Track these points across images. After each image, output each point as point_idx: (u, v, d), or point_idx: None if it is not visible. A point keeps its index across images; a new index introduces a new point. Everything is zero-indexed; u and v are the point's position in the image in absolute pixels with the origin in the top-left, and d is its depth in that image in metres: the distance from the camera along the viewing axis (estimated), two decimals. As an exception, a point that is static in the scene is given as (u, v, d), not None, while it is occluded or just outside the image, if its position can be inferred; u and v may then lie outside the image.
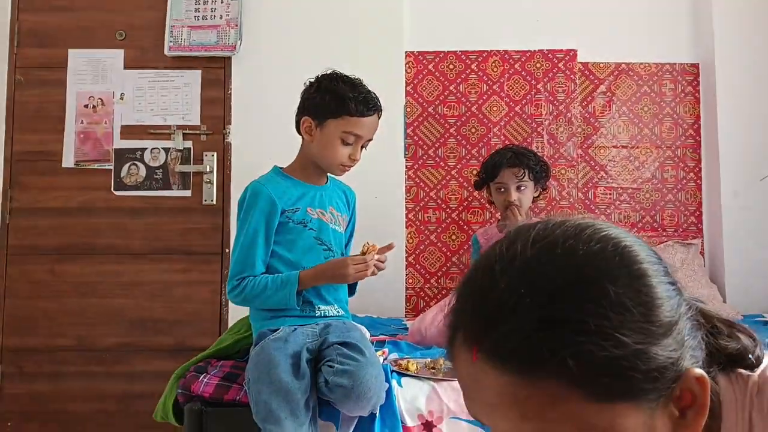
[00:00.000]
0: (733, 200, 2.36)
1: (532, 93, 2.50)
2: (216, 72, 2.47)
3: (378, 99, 1.48)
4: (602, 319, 0.43)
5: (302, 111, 1.50)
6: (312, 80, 1.49)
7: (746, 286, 2.29)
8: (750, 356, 0.56)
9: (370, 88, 1.48)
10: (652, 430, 0.45)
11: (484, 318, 0.47)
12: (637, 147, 2.50)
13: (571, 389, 0.43)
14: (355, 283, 1.59)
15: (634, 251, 0.48)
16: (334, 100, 1.43)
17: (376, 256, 1.41)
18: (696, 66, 2.51)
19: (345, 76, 1.47)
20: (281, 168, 1.55)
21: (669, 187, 2.48)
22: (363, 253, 1.40)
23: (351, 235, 1.64)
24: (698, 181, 2.49)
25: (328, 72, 1.49)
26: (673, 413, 0.46)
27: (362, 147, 1.48)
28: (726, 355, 0.55)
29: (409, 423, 1.30)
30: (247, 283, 1.39)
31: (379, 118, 1.50)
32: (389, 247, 1.45)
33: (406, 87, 2.50)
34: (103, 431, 2.33)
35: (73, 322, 2.37)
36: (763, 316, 2.11)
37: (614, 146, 2.50)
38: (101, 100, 2.48)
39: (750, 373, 0.55)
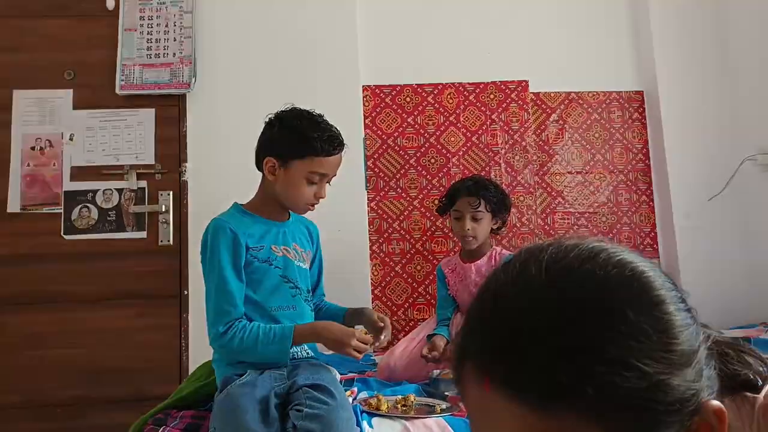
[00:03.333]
0: (685, 221, 2.45)
1: (488, 123, 2.55)
2: (170, 110, 2.43)
3: (341, 135, 1.46)
4: (623, 348, 0.41)
5: (265, 150, 1.45)
6: (272, 117, 1.46)
7: (702, 303, 2.34)
8: (759, 379, 0.55)
9: (331, 123, 1.47)
10: None
11: (497, 346, 0.44)
12: (591, 172, 2.58)
13: (591, 423, 0.40)
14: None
15: (651, 277, 0.46)
16: (299, 141, 1.39)
17: (376, 346, 1.39)
18: (640, 93, 2.63)
19: (307, 112, 1.44)
20: (242, 205, 1.51)
21: (624, 210, 2.56)
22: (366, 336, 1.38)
23: (320, 271, 1.61)
24: (651, 204, 2.58)
25: (289, 109, 1.45)
26: None
27: (328, 183, 1.47)
28: (737, 382, 0.54)
29: (382, 465, 1.26)
30: (236, 333, 1.32)
31: (342, 154, 1.48)
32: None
33: (364, 120, 2.52)
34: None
35: (20, 376, 2.22)
36: (722, 334, 2.17)
37: (569, 172, 2.57)
38: (49, 141, 2.39)
39: (756, 395, 0.54)
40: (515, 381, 0.42)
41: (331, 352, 1.46)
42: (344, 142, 1.46)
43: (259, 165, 1.48)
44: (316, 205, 1.48)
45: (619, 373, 0.40)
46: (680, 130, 2.52)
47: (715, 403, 0.45)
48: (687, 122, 2.53)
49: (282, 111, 1.46)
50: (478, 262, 1.90)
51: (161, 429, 1.30)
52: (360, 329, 1.39)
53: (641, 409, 0.41)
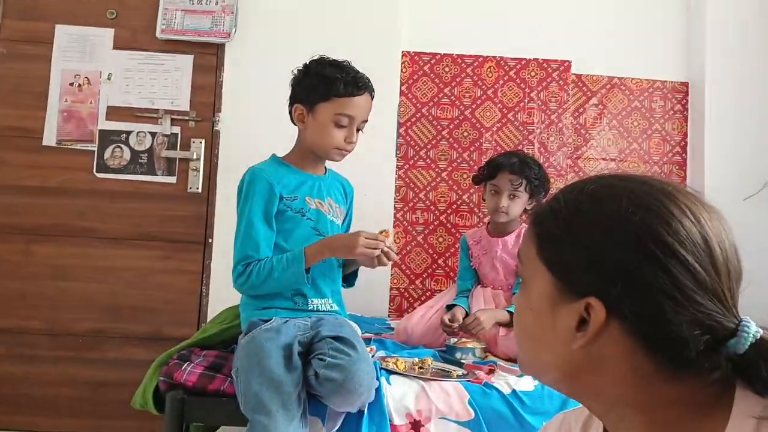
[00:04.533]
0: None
1: (526, 101, 2.51)
2: (208, 58, 2.42)
3: (368, 79, 1.46)
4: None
5: (293, 99, 1.48)
6: (300, 68, 1.48)
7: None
8: None
9: (358, 69, 1.46)
10: (554, 308, 0.57)
11: (554, 235, 0.59)
12: (625, 161, 2.54)
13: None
14: (356, 274, 1.56)
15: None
16: (322, 84, 1.41)
17: (388, 242, 1.38)
18: (686, 85, 2.56)
19: (332, 59, 1.45)
20: (280, 157, 1.52)
21: (654, 202, 2.52)
22: (379, 234, 1.38)
23: (348, 230, 1.61)
24: (682, 198, 2.53)
25: (316, 57, 1.47)
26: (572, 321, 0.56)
27: (358, 129, 1.46)
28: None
29: (397, 421, 1.29)
30: (253, 268, 1.35)
31: (372, 98, 1.48)
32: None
33: (400, 87, 2.49)
34: (75, 417, 2.25)
35: (45, 305, 2.29)
36: None
37: (603, 158, 2.53)
38: (87, 79, 2.40)
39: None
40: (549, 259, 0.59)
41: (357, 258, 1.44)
42: (371, 85, 1.46)
43: (291, 116, 1.49)
44: (348, 151, 1.46)
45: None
46: (722, 126, 2.46)
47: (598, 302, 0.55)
48: (730, 118, 2.46)
49: (309, 60, 1.47)
50: (506, 238, 1.89)
51: (185, 365, 1.33)
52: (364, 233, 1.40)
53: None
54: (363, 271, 1.63)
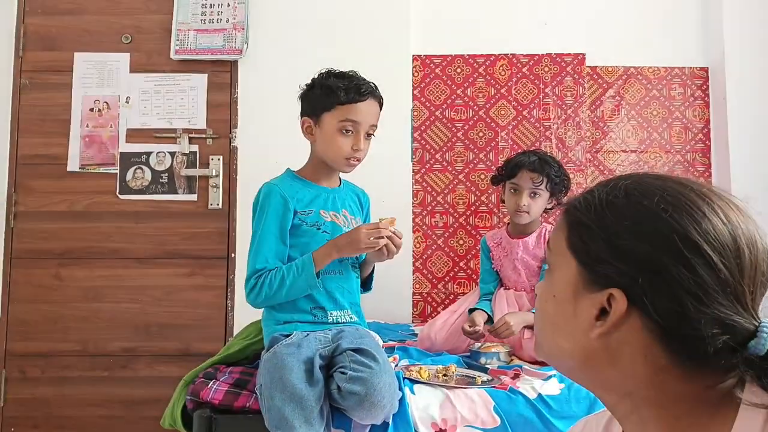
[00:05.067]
0: (745, 206, 2.33)
1: (540, 97, 2.48)
2: (222, 75, 2.46)
3: (375, 87, 1.47)
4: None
5: (302, 113, 1.50)
6: (308, 83, 1.50)
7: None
8: None
9: (364, 77, 1.47)
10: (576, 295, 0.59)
11: (587, 228, 0.60)
12: (646, 151, 2.49)
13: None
14: (371, 277, 1.56)
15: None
16: (325, 94, 1.43)
17: (392, 228, 1.38)
18: (705, 70, 2.50)
19: (338, 71, 1.47)
20: (294, 171, 1.53)
21: (678, 192, 2.46)
22: (379, 221, 1.39)
23: None
24: (708, 186, 2.46)
25: (323, 71, 1.49)
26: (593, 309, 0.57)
27: (367, 137, 1.46)
28: None
29: (423, 431, 1.28)
30: (264, 280, 1.37)
31: (380, 105, 1.48)
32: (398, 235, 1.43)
33: (413, 91, 2.49)
34: (108, 437, 2.31)
35: (77, 326, 2.35)
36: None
37: (623, 150, 2.48)
38: (107, 103, 2.46)
39: None
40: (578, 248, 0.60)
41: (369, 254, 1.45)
42: (377, 91, 1.46)
43: (302, 131, 1.50)
44: (359, 160, 1.46)
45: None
46: (746, 110, 2.39)
47: (620, 293, 0.56)
48: (753, 102, 2.39)
49: (317, 74, 1.49)
50: (526, 238, 1.87)
51: (211, 382, 1.35)
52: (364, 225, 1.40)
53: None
54: (385, 278, 1.63)
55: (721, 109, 2.43)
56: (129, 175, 2.43)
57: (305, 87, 1.49)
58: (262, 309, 1.47)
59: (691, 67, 2.50)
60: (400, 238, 1.41)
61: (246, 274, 1.42)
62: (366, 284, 1.59)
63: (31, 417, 2.32)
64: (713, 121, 2.48)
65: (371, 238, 1.36)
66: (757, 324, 0.53)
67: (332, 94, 1.41)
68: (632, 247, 0.54)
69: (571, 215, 0.61)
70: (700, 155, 2.49)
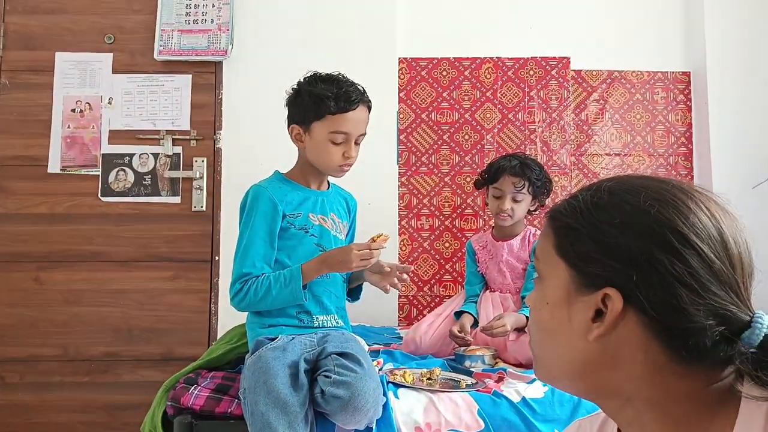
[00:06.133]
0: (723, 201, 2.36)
1: (525, 100, 2.49)
2: (207, 77, 2.44)
3: (363, 91, 1.44)
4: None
5: (289, 120, 1.47)
6: (294, 87, 1.47)
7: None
8: None
9: (352, 81, 1.44)
10: (569, 298, 0.59)
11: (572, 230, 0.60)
12: (630, 155, 2.51)
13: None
14: (360, 288, 1.55)
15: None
16: (314, 103, 1.39)
17: (384, 246, 1.37)
18: (687, 74, 2.53)
19: (324, 75, 1.44)
20: (282, 173, 1.52)
21: (661, 195, 2.48)
22: (372, 241, 1.37)
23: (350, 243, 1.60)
24: (690, 189, 2.49)
25: (308, 75, 1.46)
26: (588, 312, 0.57)
27: (357, 143, 1.44)
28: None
29: (406, 435, 1.27)
30: (250, 286, 1.35)
31: (368, 110, 1.46)
32: (405, 270, 1.45)
33: (399, 93, 2.49)
34: (90, 443, 2.27)
35: (57, 331, 2.31)
36: None
37: (607, 154, 2.50)
38: (89, 104, 2.43)
39: None
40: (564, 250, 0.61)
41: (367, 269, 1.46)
42: (366, 97, 1.44)
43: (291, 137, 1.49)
44: (350, 166, 1.45)
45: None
46: (727, 114, 2.42)
47: (616, 292, 0.56)
48: (735, 106, 2.42)
49: (302, 78, 1.46)
50: (511, 241, 1.88)
51: (192, 388, 1.33)
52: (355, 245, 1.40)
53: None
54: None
55: (703, 112, 2.46)
56: (111, 177, 2.40)
57: (292, 93, 1.46)
58: (247, 312, 1.45)
59: (673, 72, 2.53)
60: (405, 280, 1.45)
61: (232, 277, 1.40)
62: (353, 294, 1.58)
63: (9, 423, 2.27)
64: (695, 125, 2.51)
65: (362, 259, 1.34)
66: (751, 315, 0.53)
67: (322, 104, 1.38)
68: (623, 244, 0.54)
69: (557, 221, 0.61)
70: (683, 159, 2.51)
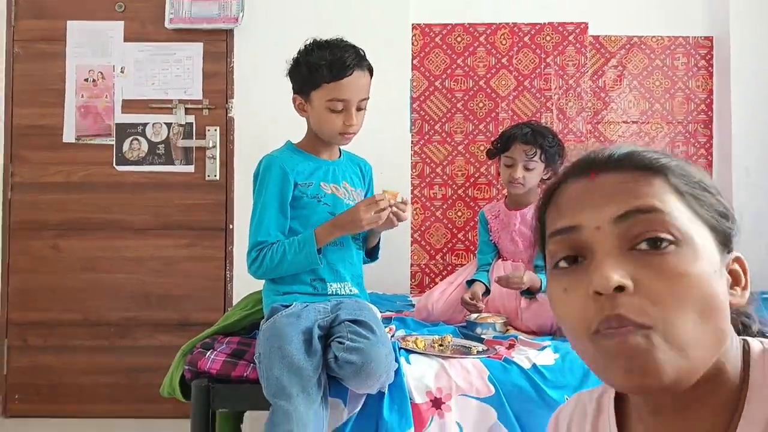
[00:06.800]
0: (744, 177, 2.33)
1: (542, 67, 2.44)
2: (218, 45, 2.42)
3: (361, 55, 1.41)
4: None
5: (293, 90, 1.47)
6: (294, 57, 1.45)
7: (755, 262, 2.26)
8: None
9: (349, 45, 1.41)
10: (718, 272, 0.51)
11: (606, 153, 0.55)
12: (648, 122, 2.46)
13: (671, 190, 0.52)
14: (377, 246, 1.55)
15: None
16: (309, 72, 1.38)
17: (393, 202, 1.37)
18: (710, 39, 2.45)
19: (322, 42, 1.41)
20: (294, 143, 1.52)
21: (679, 164, 2.44)
22: (380, 194, 1.38)
23: None
24: (709, 158, 2.45)
25: (308, 42, 1.43)
26: (728, 279, 0.52)
27: (359, 109, 1.42)
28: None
29: (418, 400, 1.30)
30: (266, 253, 1.37)
31: (369, 73, 1.43)
32: (404, 202, 1.43)
33: (412, 60, 2.45)
34: (111, 403, 2.35)
35: (77, 297, 2.37)
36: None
37: (624, 121, 2.46)
38: (101, 73, 2.43)
39: None
40: (619, 163, 0.54)
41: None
42: (362, 62, 1.40)
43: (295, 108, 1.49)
44: (353, 134, 1.43)
45: (687, 172, 0.54)
46: (749, 80, 2.35)
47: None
48: (757, 72, 2.35)
49: (302, 46, 1.44)
50: (524, 210, 1.86)
51: (209, 352, 1.37)
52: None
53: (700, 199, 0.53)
54: (383, 249, 1.63)
55: (725, 79, 2.40)
56: (125, 146, 2.41)
57: (291, 64, 1.45)
58: (264, 280, 1.47)
59: (695, 37, 2.45)
60: (405, 212, 1.40)
61: (248, 246, 1.42)
62: (372, 254, 1.58)
63: (34, 385, 2.35)
64: (716, 92, 2.44)
65: (372, 213, 1.35)
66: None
67: (316, 73, 1.37)
68: (723, 202, 0.54)
69: (677, 179, 0.53)
70: (702, 126, 2.46)
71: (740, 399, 0.50)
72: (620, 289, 0.48)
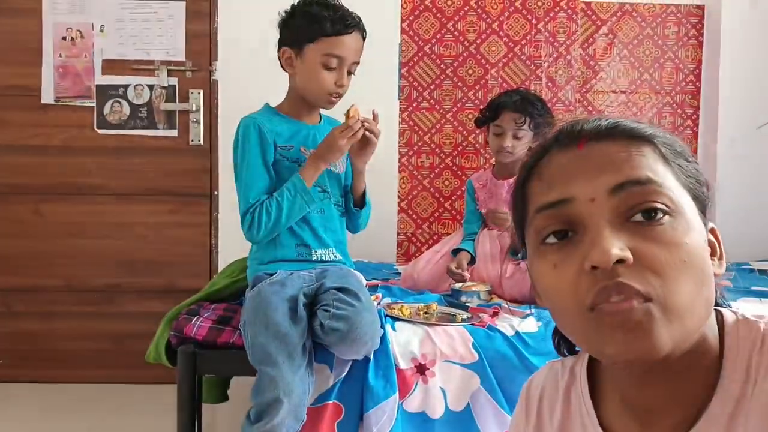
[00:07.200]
0: (729, 148, 2.35)
1: (533, 33, 2.41)
2: (201, 3, 2.34)
3: (359, 18, 1.40)
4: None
5: (281, 43, 1.43)
6: (287, 9, 1.42)
7: (737, 233, 2.29)
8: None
9: (346, 7, 1.40)
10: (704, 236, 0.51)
11: (592, 123, 0.54)
12: (636, 92, 2.45)
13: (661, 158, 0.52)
14: (365, 196, 1.52)
15: None
16: (308, 24, 1.36)
17: (362, 117, 1.36)
18: (702, 8, 2.43)
19: (322, 1, 1.39)
20: (273, 106, 1.49)
21: (666, 134, 2.45)
22: (347, 118, 1.37)
23: (348, 176, 1.58)
24: (695, 129, 2.46)
25: None
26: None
27: (349, 72, 1.40)
28: None
29: (403, 366, 1.32)
30: (260, 212, 1.34)
31: (363, 38, 1.42)
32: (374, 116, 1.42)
33: (401, 24, 2.39)
34: (97, 369, 2.35)
35: (60, 262, 2.34)
36: (750, 264, 2.14)
37: (613, 91, 2.45)
38: (80, 32, 2.34)
39: (756, 320, 0.53)
40: (609, 132, 0.53)
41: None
42: (362, 24, 1.40)
43: (281, 61, 1.45)
44: (339, 97, 1.41)
45: (673, 141, 0.54)
46: (739, 51, 2.35)
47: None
48: (747, 43, 2.35)
49: (297, 1, 1.41)
50: (512, 180, 1.86)
51: (194, 319, 1.37)
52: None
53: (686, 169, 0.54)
54: (370, 217, 1.62)
55: (715, 49, 2.39)
56: (107, 109, 2.35)
57: (285, 14, 1.42)
58: (250, 247, 1.46)
59: (687, 5, 2.43)
60: (375, 126, 1.39)
61: (240, 211, 1.38)
62: (362, 203, 1.53)
63: (18, 350, 2.35)
64: (705, 62, 2.44)
65: (347, 137, 1.34)
66: None
67: (316, 25, 1.34)
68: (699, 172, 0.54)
69: (657, 143, 0.52)
70: (689, 97, 2.46)
71: (717, 367, 0.51)
72: (620, 262, 0.46)
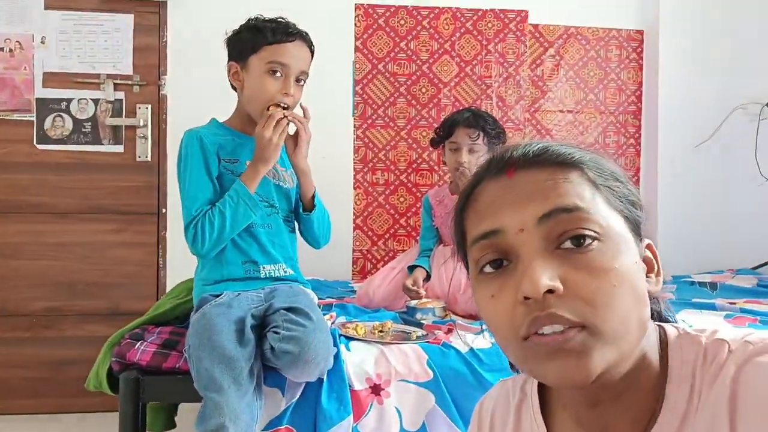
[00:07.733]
0: (669, 167, 2.45)
1: (483, 54, 2.46)
2: (150, 17, 2.29)
3: (304, 32, 1.42)
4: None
5: (228, 59, 1.44)
6: (235, 29, 1.44)
7: (676, 248, 2.40)
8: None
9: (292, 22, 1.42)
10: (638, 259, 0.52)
11: (521, 150, 0.54)
12: (582, 112, 2.54)
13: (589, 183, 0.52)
14: (314, 198, 1.49)
15: None
16: (252, 36, 1.37)
17: (284, 112, 1.35)
18: (641, 33, 2.55)
19: (266, 17, 1.42)
20: (220, 121, 1.46)
21: (610, 152, 2.55)
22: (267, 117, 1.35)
23: (298, 191, 1.56)
24: (638, 147, 2.56)
25: (251, 18, 1.43)
26: (643, 267, 0.53)
27: (297, 83, 1.39)
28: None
29: (357, 386, 1.29)
30: (203, 223, 1.30)
31: (311, 50, 1.43)
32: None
33: (355, 42, 2.41)
34: (35, 397, 2.21)
35: (-6, 285, 2.21)
36: (691, 277, 2.23)
37: (560, 111, 2.53)
38: (19, 43, 2.24)
39: (698, 334, 0.54)
40: (537, 160, 0.53)
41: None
42: (305, 36, 1.42)
43: (229, 79, 1.45)
44: (288, 107, 1.38)
45: (602, 165, 0.55)
46: (676, 73, 2.47)
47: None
48: (684, 66, 2.47)
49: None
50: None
51: (138, 343, 1.30)
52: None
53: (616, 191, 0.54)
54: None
55: (653, 72, 2.51)
56: (48, 123, 2.25)
57: (232, 32, 1.43)
58: (196, 267, 1.41)
59: (627, 30, 2.54)
60: (301, 117, 1.39)
61: (183, 225, 1.35)
62: (312, 206, 1.48)
63: (-54, 380, 2.18)
64: (645, 84, 2.55)
65: (272, 129, 1.32)
66: None
67: (259, 35, 1.36)
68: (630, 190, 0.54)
69: (590, 171, 0.53)
70: (632, 117, 2.56)
71: (662, 382, 0.52)
72: (550, 291, 0.47)
